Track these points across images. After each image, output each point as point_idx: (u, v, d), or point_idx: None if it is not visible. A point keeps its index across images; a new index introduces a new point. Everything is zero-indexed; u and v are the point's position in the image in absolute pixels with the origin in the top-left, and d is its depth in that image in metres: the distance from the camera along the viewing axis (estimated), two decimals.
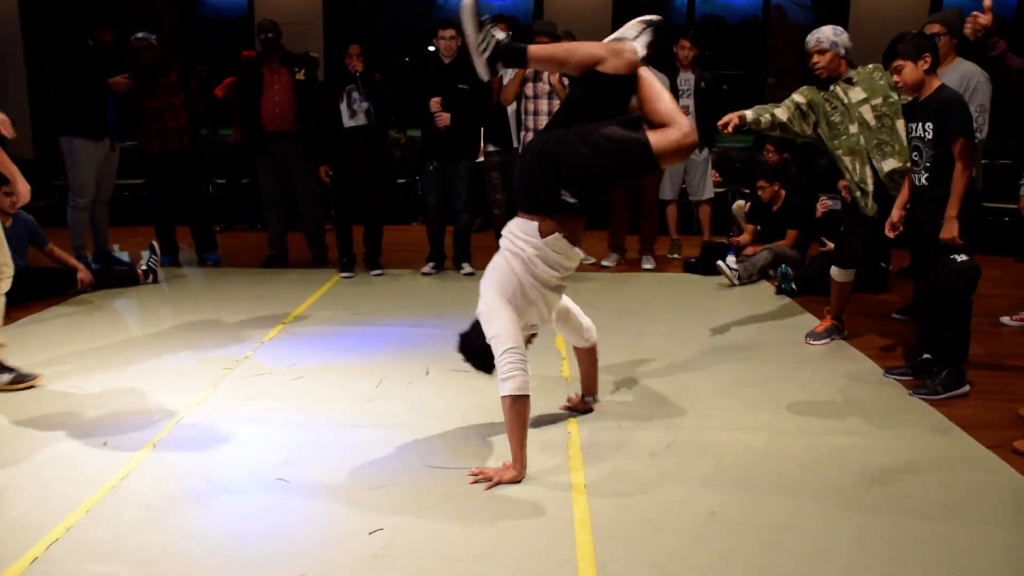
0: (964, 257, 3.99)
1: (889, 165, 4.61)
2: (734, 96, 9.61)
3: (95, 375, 4.35)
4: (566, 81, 6.24)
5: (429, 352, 4.71)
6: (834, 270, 4.99)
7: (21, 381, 4.17)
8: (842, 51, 4.69)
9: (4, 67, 9.29)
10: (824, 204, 6.79)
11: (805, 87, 4.89)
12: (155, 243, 6.60)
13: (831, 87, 4.73)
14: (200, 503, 3.01)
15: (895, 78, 4.10)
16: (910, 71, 4.02)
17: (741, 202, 7.54)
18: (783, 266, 6.28)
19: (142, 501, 3.00)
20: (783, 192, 6.78)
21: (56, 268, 6.09)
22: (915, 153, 4.16)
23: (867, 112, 4.65)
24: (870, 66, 4.70)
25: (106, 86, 6.36)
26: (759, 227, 6.93)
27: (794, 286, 6.16)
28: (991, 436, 3.66)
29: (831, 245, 6.59)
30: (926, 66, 4.02)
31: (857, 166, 4.72)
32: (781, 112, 4.79)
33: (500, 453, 3.42)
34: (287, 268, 6.98)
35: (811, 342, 5.04)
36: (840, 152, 4.76)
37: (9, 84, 9.40)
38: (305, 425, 3.72)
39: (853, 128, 4.69)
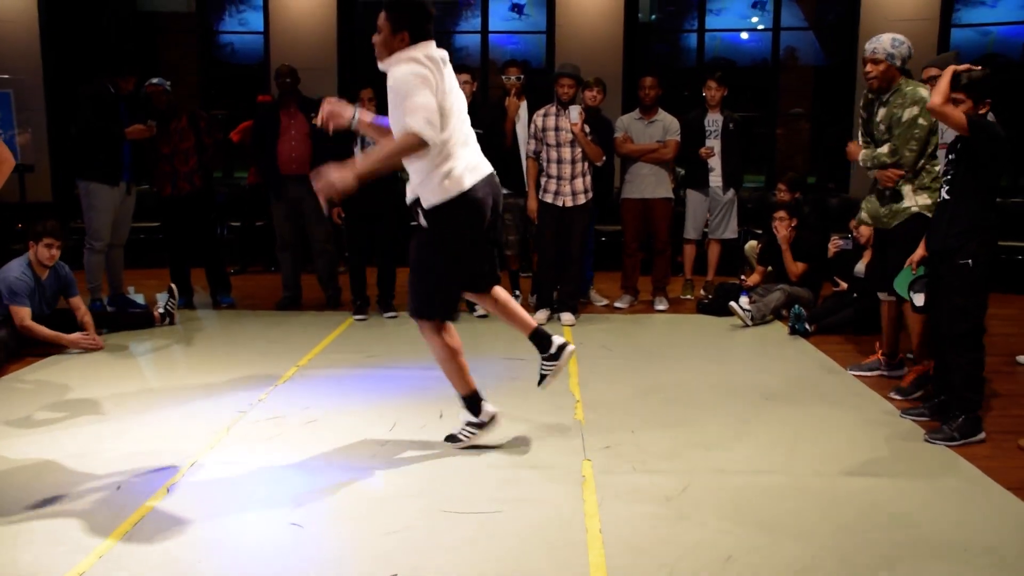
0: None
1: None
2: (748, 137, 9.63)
3: (109, 418, 4.36)
4: (588, 129, 6.31)
5: (443, 395, 4.69)
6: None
7: None
8: (898, 63, 4.64)
9: (26, 110, 9.42)
10: (836, 244, 6.78)
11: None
12: (173, 286, 6.65)
13: (880, 97, 4.75)
14: (213, 547, 3.00)
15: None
16: (967, 110, 3.99)
17: (753, 242, 7.55)
18: (796, 307, 6.26)
19: (155, 546, 3.00)
20: (794, 231, 6.78)
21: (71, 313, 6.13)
22: (946, 168, 4.17)
23: (876, 134, 4.75)
24: (921, 91, 4.63)
25: (123, 135, 6.43)
26: (770, 268, 6.93)
27: (808, 326, 6.15)
28: (1009, 477, 3.62)
29: (844, 285, 6.58)
30: (983, 111, 4.02)
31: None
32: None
33: (516, 497, 3.41)
34: (301, 310, 7.01)
35: (852, 373, 5.21)
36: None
37: (30, 128, 9.54)
38: (319, 469, 3.72)
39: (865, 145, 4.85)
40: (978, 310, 4.09)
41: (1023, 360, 5.50)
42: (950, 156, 4.11)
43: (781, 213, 6.80)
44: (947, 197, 4.11)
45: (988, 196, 4.07)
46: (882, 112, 4.74)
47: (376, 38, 3.65)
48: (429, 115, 3.46)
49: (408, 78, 3.49)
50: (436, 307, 3.77)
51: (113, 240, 6.69)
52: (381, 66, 3.66)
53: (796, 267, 6.67)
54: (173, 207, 6.91)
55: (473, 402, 3.91)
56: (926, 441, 4.06)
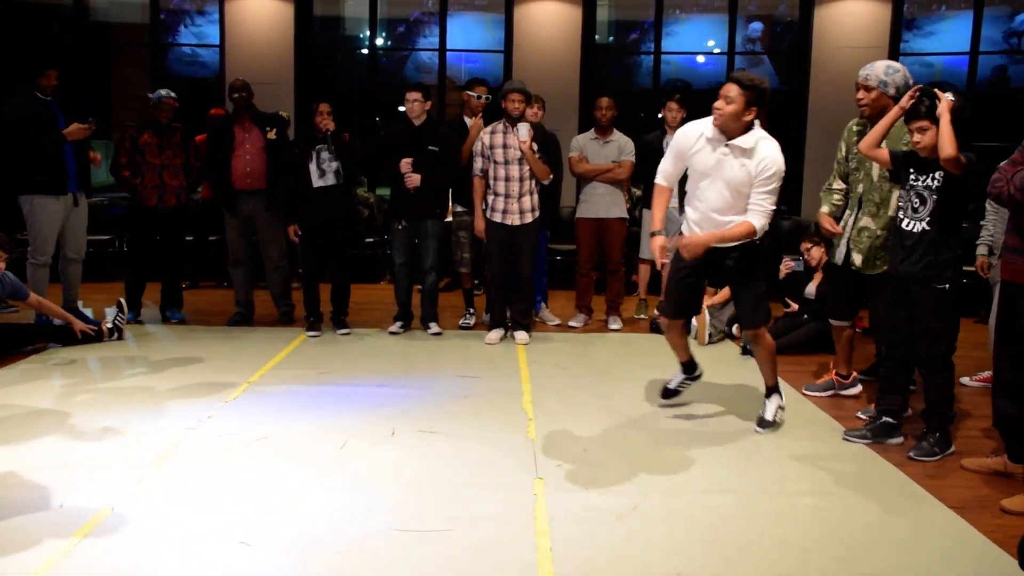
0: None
1: (865, 223, 4.68)
2: None
3: (53, 433, 4.28)
4: (535, 147, 6.32)
5: (395, 412, 4.69)
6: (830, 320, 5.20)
7: None
8: (892, 91, 4.49)
9: None
10: (787, 266, 6.88)
11: (852, 122, 4.83)
12: (122, 300, 6.55)
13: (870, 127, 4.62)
14: (160, 567, 2.95)
15: (915, 137, 4.10)
16: (932, 136, 4.03)
17: None
18: None
19: (99, 565, 2.94)
20: None
21: (18, 325, 6.06)
22: (916, 200, 4.18)
23: (876, 167, 4.63)
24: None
25: (62, 138, 6.28)
26: (717, 289, 6.98)
27: None
28: (953, 496, 3.70)
29: (795, 306, 6.67)
30: None
31: (855, 211, 4.78)
32: (837, 187, 4.94)
33: (468, 515, 3.40)
34: (253, 326, 6.94)
35: (807, 392, 5.26)
36: (851, 192, 4.84)
37: None
38: (269, 487, 3.67)
39: (860, 175, 4.73)
40: (952, 332, 4.26)
41: (966, 382, 5.61)
42: (931, 187, 4.12)
43: None
44: (927, 228, 4.14)
45: (961, 224, 4.23)
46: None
47: (729, 108, 4.22)
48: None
49: (778, 173, 4.27)
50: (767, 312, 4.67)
51: (70, 254, 6.56)
52: (737, 140, 4.25)
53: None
54: (152, 219, 6.82)
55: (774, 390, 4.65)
56: (909, 459, 4.16)
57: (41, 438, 4.22)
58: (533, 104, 6.72)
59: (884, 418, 4.43)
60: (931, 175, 4.15)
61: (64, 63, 6.55)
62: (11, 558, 2.97)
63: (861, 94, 4.59)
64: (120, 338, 6.34)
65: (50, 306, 6.05)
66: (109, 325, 6.31)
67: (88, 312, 6.85)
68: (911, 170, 4.25)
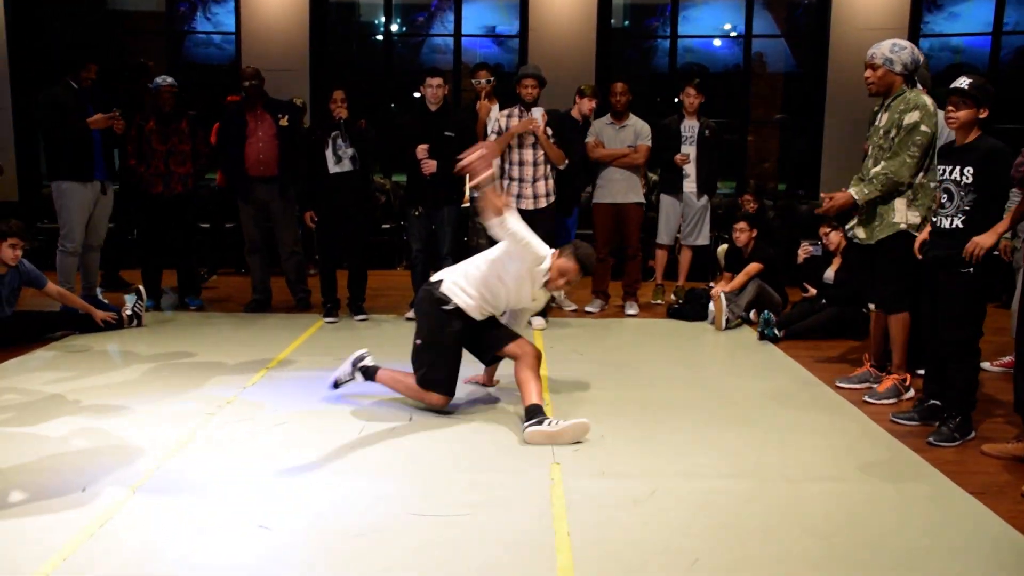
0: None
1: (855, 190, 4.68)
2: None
3: (75, 419, 4.31)
4: (550, 131, 6.30)
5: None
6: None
7: None
8: (898, 68, 4.56)
9: None
10: (805, 250, 6.85)
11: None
12: (141, 288, 6.59)
13: (883, 103, 4.68)
14: (180, 550, 2.97)
15: (949, 109, 4.10)
16: (969, 113, 4.05)
17: (726, 246, 7.61)
18: (766, 312, 6.31)
19: (121, 548, 2.96)
20: (753, 242, 6.87)
21: (40, 313, 6.11)
22: (943, 196, 4.18)
23: (875, 138, 4.68)
24: (924, 98, 4.53)
25: (86, 127, 6.34)
26: (734, 275, 6.97)
27: (776, 332, 6.19)
28: (975, 481, 3.67)
29: (813, 291, 6.64)
30: (982, 115, 4.06)
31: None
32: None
33: (485, 500, 3.41)
34: (271, 312, 6.97)
35: (840, 385, 5.08)
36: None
37: None
38: (287, 472, 3.69)
39: (871, 151, 4.74)
40: (977, 317, 4.19)
41: (988, 367, 5.53)
42: (959, 182, 4.10)
43: (741, 225, 6.89)
44: (960, 225, 4.11)
45: (995, 219, 4.16)
46: (884, 117, 4.65)
47: None
48: None
49: None
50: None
51: (90, 241, 6.62)
52: None
53: (752, 268, 6.76)
54: (161, 207, 6.86)
55: None
56: (929, 444, 4.12)
57: (62, 424, 4.25)
58: (586, 95, 6.83)
59: (932, 400, 4.43)
60: (956, 168, 4.11)
61: (79, 51, 6.61)
62: (35, 542, 3.00)
63: (868, 72, 4.64)
64: (140, 325, 6.38)
65: (70, 296, 6.10)
66: (128, 312, 6.35)
67: (107, 301, 6.90)
68: (938, 165, 4.23)
